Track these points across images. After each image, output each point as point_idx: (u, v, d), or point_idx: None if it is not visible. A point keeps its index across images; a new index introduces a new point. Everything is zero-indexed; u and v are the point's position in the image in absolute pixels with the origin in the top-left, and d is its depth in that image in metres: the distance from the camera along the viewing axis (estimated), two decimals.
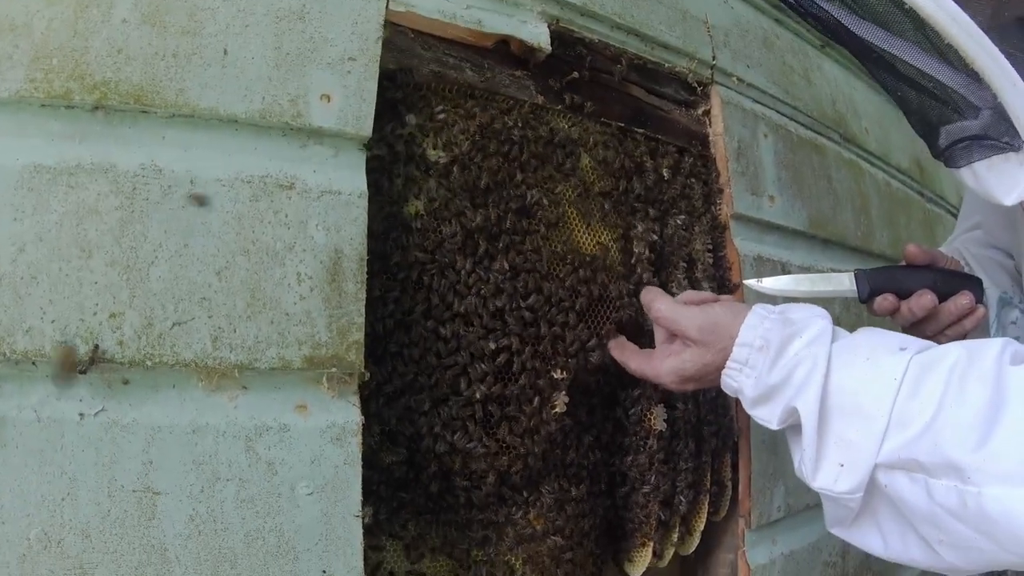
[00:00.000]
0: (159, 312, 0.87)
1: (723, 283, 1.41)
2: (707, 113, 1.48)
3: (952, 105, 1.04)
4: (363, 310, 0.96)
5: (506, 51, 1.19)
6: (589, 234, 1.24)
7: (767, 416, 1.02)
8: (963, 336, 1.20)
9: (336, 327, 0.95)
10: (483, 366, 1.08)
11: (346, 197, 0.97)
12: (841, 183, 1.77)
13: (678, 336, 1.11)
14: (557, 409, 1.13)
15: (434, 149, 1.10)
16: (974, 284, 1.23)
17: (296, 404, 0.93)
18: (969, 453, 0.85)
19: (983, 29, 0.96)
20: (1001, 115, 1.00)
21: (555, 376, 1.14)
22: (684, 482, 1.30)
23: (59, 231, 0.85)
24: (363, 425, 0.95)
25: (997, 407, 0.86)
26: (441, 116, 1.11)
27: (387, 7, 1.03)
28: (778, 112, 1.63)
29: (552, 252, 1.17)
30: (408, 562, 1.07)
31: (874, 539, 0.99)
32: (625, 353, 1.18)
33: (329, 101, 0.97)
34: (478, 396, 1.08)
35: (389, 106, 1.06)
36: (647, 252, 1.28)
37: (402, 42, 1.08)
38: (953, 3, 0.95)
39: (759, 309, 1.05)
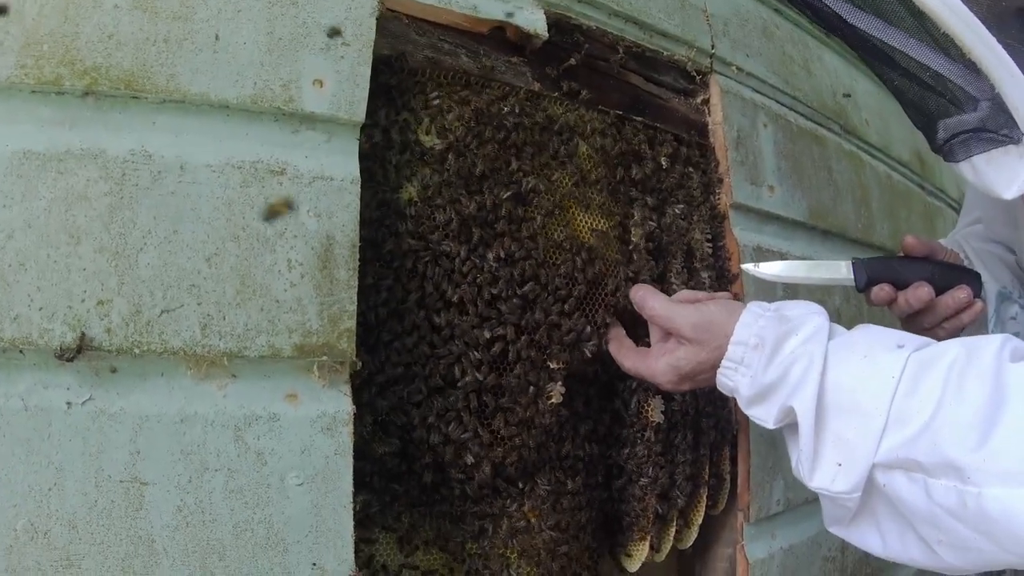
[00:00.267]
0: (147, 299, 0.86)
1: (722, 273, 1.40)
2: (706, 102, 1.46)
3: (950, 97, 1.03)
4: (355, 297, 0.95)
5: (502, 37, 1.18)
6: (586, 222, 1.22)
7: (763, 415, 1.01)
8: (960, 330, 1.19)
9: (327, 315, 0.93)
10: (477, 355, 1.07)
11: (338, 183, 0.96)
12: (841, 174, 1.76)
13: (672, 334, 1.10)
14: (553, 400, 1.12)
15: (428, 135, 1.09)
16: (972, 278, 1.22)
17: (286, 393, 0.92)
18: (969, 453, 0.84)
19: (981, 19, 0.95)
20: (1000, 107, 0.99)
21: (551, 366, 1.12)
22: (682, 475, 1.29)
23: (47, 217, 0.84)
24: (355, 415, 0.94)
25: (997, 405, 0.85)
26: (436, 102, 1.10)
27: None
28: (777, 102, 1.61)
29: (548, 240, 1.16)
30: (401, 555, 1.06)
31: (873, 538, 0.98)
32: (621, 351, 1.16)
33: (322, 86, 0.96)
34: (472, 386, 1.06)
35: (383, 92, 1.05)
36: (644, 241, 1.27)
37: (396, 28, 1.07)
38: None
39: (754, 307, 1.04)
